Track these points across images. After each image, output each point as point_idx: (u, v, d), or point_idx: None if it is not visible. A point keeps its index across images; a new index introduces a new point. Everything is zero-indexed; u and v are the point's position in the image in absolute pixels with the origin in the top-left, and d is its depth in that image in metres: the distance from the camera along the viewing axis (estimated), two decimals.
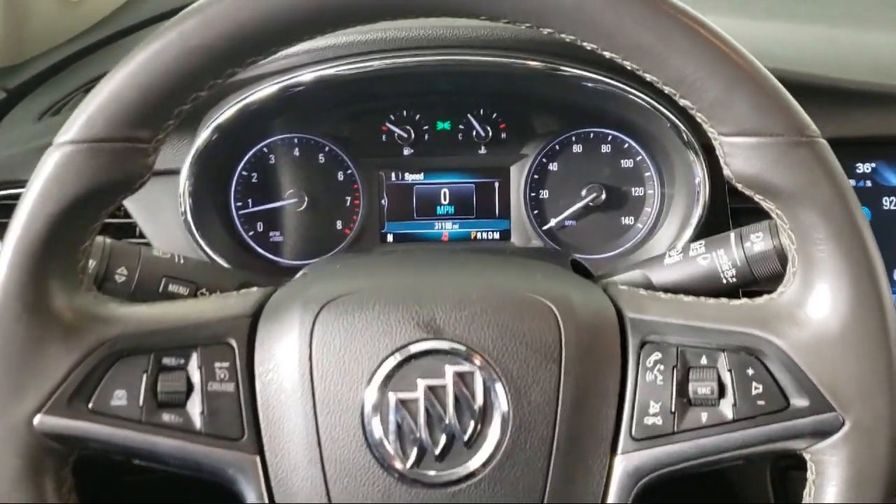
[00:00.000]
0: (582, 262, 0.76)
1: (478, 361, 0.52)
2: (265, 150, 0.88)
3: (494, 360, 0.52)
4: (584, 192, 0.88)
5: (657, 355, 0.53)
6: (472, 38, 0.79)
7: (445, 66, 0.79)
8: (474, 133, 0.88)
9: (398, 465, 0.51)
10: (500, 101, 0.88)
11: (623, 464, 0.52)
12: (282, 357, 0.53)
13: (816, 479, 0.52)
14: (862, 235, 0.50)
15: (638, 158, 0.88)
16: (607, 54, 0.51)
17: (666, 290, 0.67)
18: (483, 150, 0.90)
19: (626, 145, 0.88)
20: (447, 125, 0.89)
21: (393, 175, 0.90)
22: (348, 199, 0.90)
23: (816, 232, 0.50)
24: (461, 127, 0.89)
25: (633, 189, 0.88)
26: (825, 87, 0.80)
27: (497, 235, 0.91)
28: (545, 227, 0.90)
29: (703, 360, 0.53)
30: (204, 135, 0.79)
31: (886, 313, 0.50)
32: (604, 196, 0.88)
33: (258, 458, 0.52)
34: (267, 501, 0.52)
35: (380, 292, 0.55)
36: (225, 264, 0.81)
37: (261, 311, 0.55)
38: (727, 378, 0.52)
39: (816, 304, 0.51)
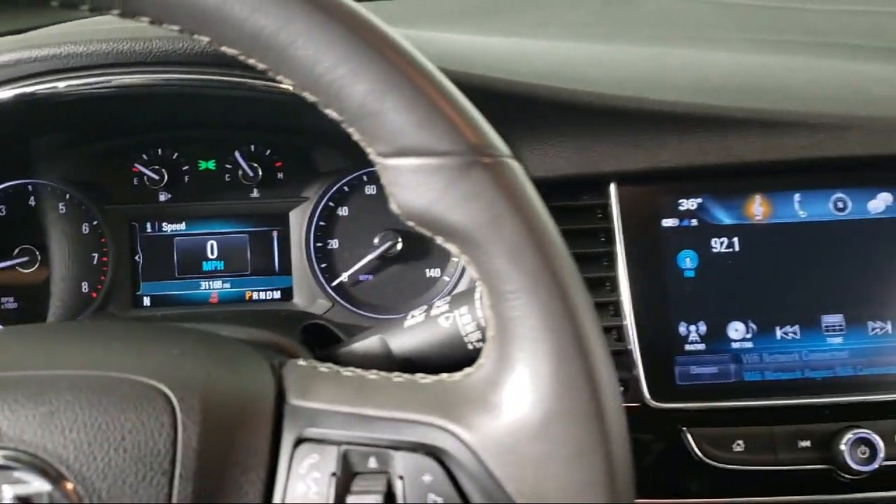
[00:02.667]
0: (328, 327, 0.62)
1: (52, 476, 0.37)
2: None
3: (76, 475, 0.37)
4: (377, 241, 0.75)
5: (314, 458, 0.38)
6: (213, 54, 0.65)
7: (183, 86, 0.65)
8: (241, 173, 0.75)
9: None
10: (274, 135, 0.75)
11: None
12: None
13: None
14: (565, 288, 0.36)
15: None
16: (227, 51, 0.37)
17: (405, 358, 0.53)
18: (256, 194, 0.76)
19: None
20: (211, 164, 0.76)
21: (148, 225, 0.75)
22: (95, 255, 0.75)
23: (507, 284, 0.37)
24: (228, 166, 0.75)
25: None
26: (641, 111, 0.68)
27: (278, 295, 0.76)
28: (334, 284, 0.76)
29: (372, 464, 0.38)
30: None
31: (601, 397, 0.36)
32: (400, 244, 0.74)
33: None
34: None
35: None
36: None
37: None
38: (399, 488, 0.38)
39: (514, 383, 0.37)
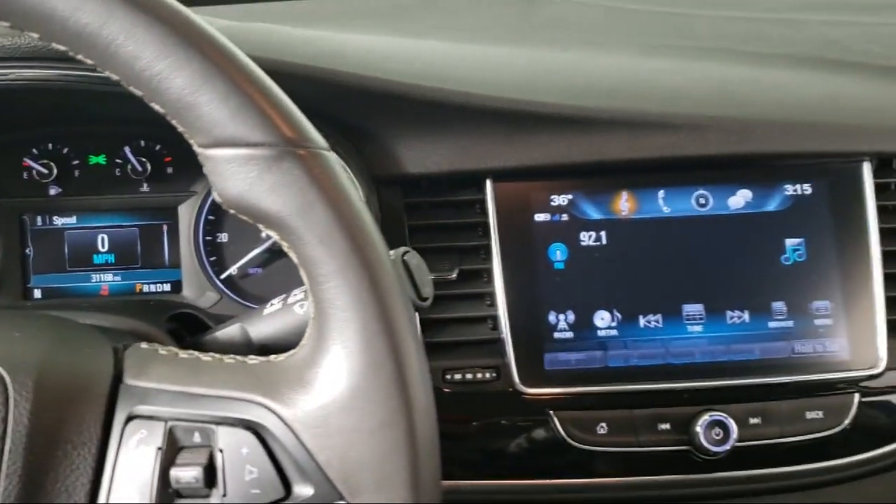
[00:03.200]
0: (197, 316, 0.64)
1: None
2: None
3: None
4: (265, 234, 0.77)
5: (142, 433, 0.41)
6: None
7: (61, 80, 0.66)
8: (130, 168, 0.76)
9: None
10: (164, 130, 0.76)
11: None
12: None
13: None
14: (376, 275, 0.39)
15: None
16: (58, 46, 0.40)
17: (263, 344, 0.56)
18: (146, 188, 0.77)
19: None
20: (101, 159, 0.77)
21: (38, 219, 0.77)
22: None
23: (321, 268, 0.39)
24: (118, 161, 0.77)
25: None
26: (513, 111, 0.71)
27: (167, 287, 0.78)
28: (223, 276, 0.78)
29: (197, 438, 0.41)
30: None
31: (405, 372, 0.39)
32: None
33: None
34: None
35: None
36: None
37: None
38: (219, 461, 0.40)
39: (328, 361, 0.39)
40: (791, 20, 1.02)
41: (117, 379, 0.43)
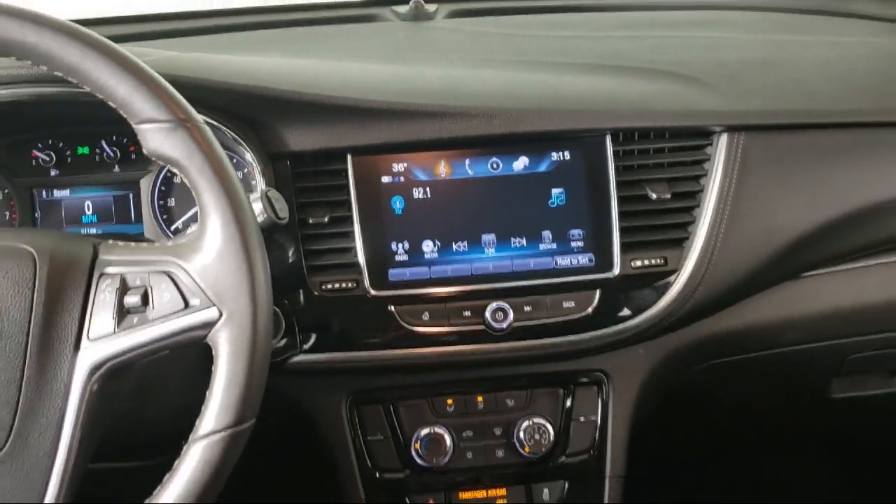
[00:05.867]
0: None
1: None
2: None
3: None
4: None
5: (108, 281, 0.75)
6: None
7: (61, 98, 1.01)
8: (106, 155, 1.11)
9: None
10: (126, 126, 1.11)
11: (82, 357, 0.73)
12: None
13: (215, 358, 0.74)
14: (227, 186, 0.74)
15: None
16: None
17: None
18: (117, 169, 1.12)
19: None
20: (86, 150, 1.11)
21: (44, 193, 1.11)
22: (7, 213, 1.10)
23: (200, 189, 0.74)
24: (97, 150, 1.11)
25: None
26: (362, 107, 1.04)
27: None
28: (172, 228, 1.12)
29: (137, 282, 0.75)
30: None
31: (244, 234, 0.73)
32: None
33: None
34: None
35: None
36: None
37: None
38: (150, 292, 0.74)
39: (208, 236, 0.74)
40: (597, 37, 1.38)
41: (95, 256, 0.77)
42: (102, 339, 0.74)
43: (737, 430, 1.43)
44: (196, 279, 0.73)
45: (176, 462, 0.73)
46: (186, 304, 0.74)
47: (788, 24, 1.46)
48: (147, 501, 0.73)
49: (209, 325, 0.73)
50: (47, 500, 0.72)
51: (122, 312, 0.74)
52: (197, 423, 0.72)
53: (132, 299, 0.74)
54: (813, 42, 1.36)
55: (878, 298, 1.12)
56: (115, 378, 0.75)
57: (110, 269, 0.76)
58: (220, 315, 0.73)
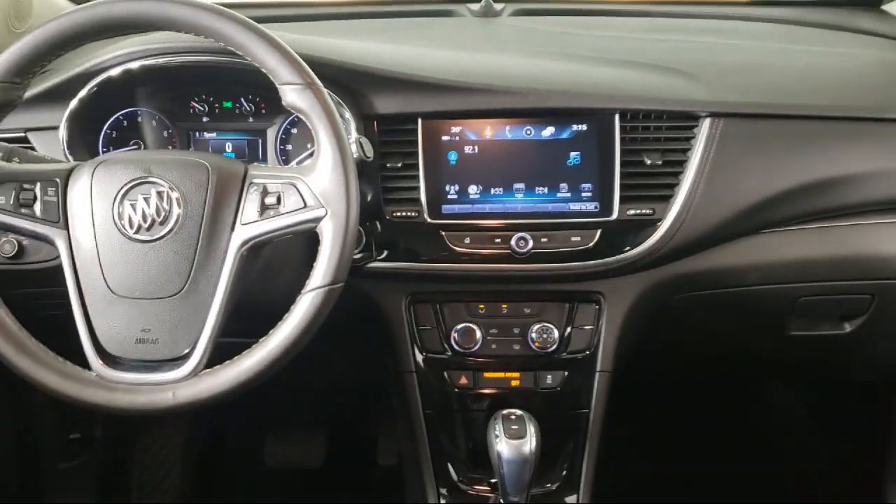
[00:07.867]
0: None
1: (165, 185, 1.13)
2: (120, 117, 1.50)
3: (177, 186, 1.13)
4: (309, 145, 1.50)
5: (254, 188, 1.14)
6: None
7: (219, 64, 1.40)
8: (244, 109, 1.50)
9: (129, 232, 1.12)
10: (260, 89, 1.51)
11: (236, 234, 1.12)
12: (79, 184, 1.14)
13: (321, 241, 1.12)
14: (336, 131, 1.11)
15: None
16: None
17: None
18: (251, 120, 1.51)
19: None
20: (229, 104, 1.50)
21: (197, 134, 1.51)
22: (170, 147, 1.51)
23: (319, 130, 1.12)
24: (238, 105, 1.51)
25: None
26: (431, 83, 1.41)
27: None
28: (288, 165, 1.51)
29: (273, 189, 1.14)
30: (73, 104, 1.40)
31: (344, 163, 1.11)
32: None
33: (66, 231, 1.13)
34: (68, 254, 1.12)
35: (127, 159, 1.16)
36: None
37: (72, 169, 1.17)
38: (282, 196, 1.13)
39: (321, 162, 1.12)
40: (627, 37, 1.70)
41: (246, 171, 1.16)
42: (249, 224, 1.12)
43: (709, 357, 1.77)
44: (312, 189, 1.11)
45: (291, 307, 1.11)
46: (305, 205, 1.12)
47: (789, 36, 1.75)
48: (271, 332, 1.12)
49: (318, 220, 1.11)
50: (207, 324, 1.11)
51: (263, 208, 1.13)
52: (307, 282, 1.11)
53: (270, 200, 1.13)
54: (804, 51, 1.66)
55: (819, 253, 1.44)
56: (254, 251, 1.14)
57: (256, 180, 1.14)
58: (326, 212, 1.11)
